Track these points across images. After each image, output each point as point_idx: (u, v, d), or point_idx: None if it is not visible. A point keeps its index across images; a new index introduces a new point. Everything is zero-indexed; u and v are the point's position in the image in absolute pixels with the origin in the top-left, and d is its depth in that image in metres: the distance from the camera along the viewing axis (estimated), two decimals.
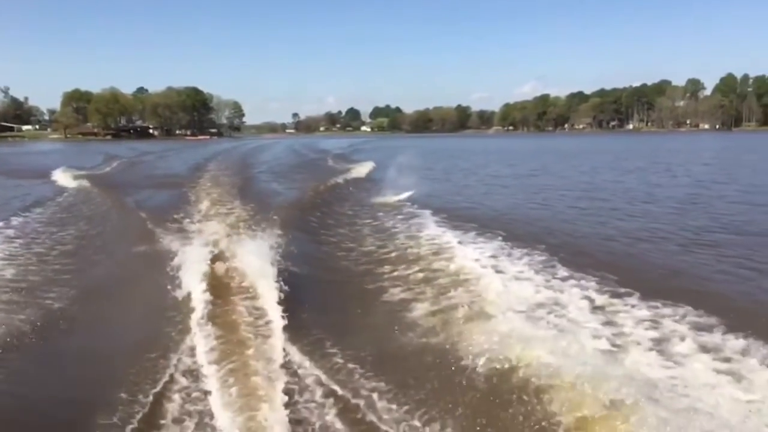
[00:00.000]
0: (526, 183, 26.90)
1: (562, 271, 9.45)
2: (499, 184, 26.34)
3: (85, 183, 24.19)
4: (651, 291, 8.21)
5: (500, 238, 12.08)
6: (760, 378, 5.53)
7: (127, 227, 14.35)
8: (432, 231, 13.06)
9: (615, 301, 7.90)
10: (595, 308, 7.67)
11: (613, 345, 6.36)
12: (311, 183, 23.74)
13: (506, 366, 5.79)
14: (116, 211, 16.75)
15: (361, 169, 30.87)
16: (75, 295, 8.83)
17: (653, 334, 6.70)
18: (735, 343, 6.34)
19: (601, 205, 18.61)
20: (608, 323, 7.07)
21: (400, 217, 15.51)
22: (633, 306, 7.68)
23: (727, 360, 5.95)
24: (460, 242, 11.64)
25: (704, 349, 6.25)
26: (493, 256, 10.48)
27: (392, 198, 18.86)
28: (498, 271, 9.44)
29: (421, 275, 9.57)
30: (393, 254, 11.25)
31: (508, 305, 7.65)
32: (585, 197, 20.74)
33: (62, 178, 26.71)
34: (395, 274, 9.82)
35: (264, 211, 15.67)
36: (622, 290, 8.32)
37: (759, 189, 21.82)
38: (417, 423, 5.07)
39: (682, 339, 6.49)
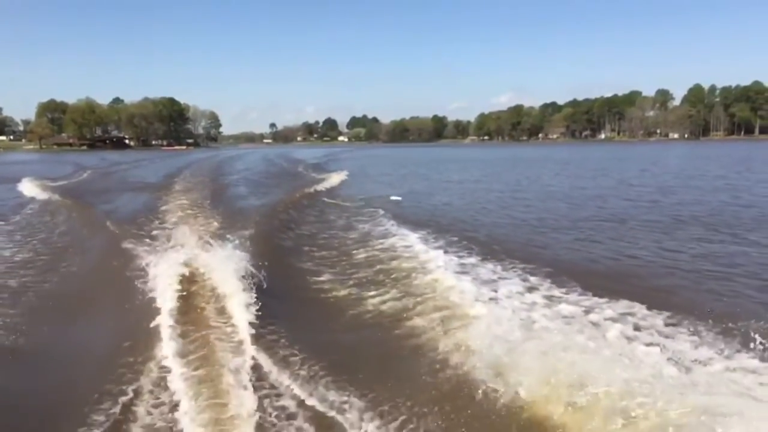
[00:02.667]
0: (469, 187, 29.74)
1: (457, 245, 12.42)
2: (444, 188, 29.15)
3: (53, 194, 23.30)
4: (513, 256, 11.28)
5: (429, 230, 14.56)
6: (545, 295, 8.58)
7: (95, 237, 14.11)
8: (383, 228, 15.04)
9: (482, 261, 10.81)
10: (467, 264, 10.60)
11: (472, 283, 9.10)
12: (283, 191, 24.51)
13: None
14: (83, 221, 16.44)
15: (335, 178, 31.80)
16: (39, 306, 8.79)
17: (493, 276, 9.71)
18: (545, 280, 9.37)
19: (519, 202, 21.58)
20: (473, 275, 9.76)
21: (354, 216, 17.70)
22: (494, 263, 10.65)
23: (535, 287, 9.00)
24: (400, 236, 13.66)
25: (524, 280, 9.39)
26: (420, 239, 13.08)
27: (352, 201, 21.43)
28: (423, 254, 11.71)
29: (373, 268, 10.90)
30: (358, 254, 12.17)
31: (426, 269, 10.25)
32: (511, 197, 23.65)
33: (28, 188, 26.03)
34: (357, 274, 10.61)
35: (235, 219, 15.87)
36: (489, 256, 11.32)
37: (663, 190, 24.88)
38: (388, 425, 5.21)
39: (510, 279, 9.57)
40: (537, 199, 22.24)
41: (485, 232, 14.54)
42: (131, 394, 5.70)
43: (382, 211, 18.03)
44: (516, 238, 13.77)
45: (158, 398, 5.62)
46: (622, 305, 7.81)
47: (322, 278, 10.37)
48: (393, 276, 10.18)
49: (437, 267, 10.16)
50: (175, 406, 5.42)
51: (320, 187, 26.59)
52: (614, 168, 43.87)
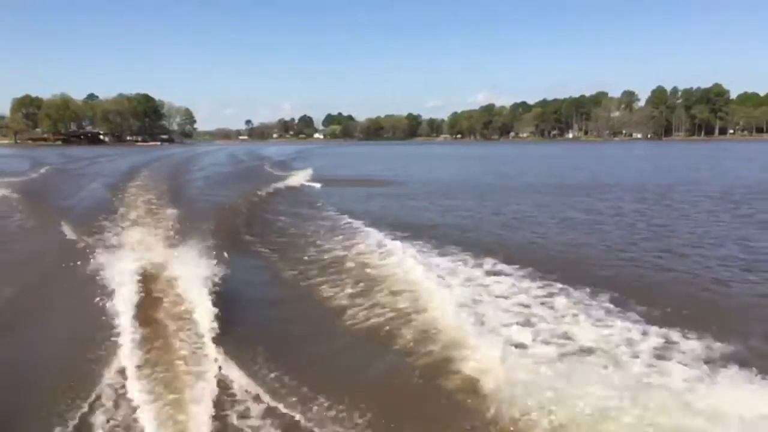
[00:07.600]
0: (399, 179, 34.64)
1: (370, 224, 15.41)
2: (377, 176, 34.37)
3: (6, 190, 22.53)
4: (396, 222, 15.72)
5: (348, 216, 17.14)
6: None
7: (49, 238, 13.54)
8: (319, 213, 18.24)
9: (390, 239, 12.76)
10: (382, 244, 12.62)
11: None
12: (243, 189, 24.35)
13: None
14: (36, 221, 16.04)
15: (300, 175, 32.12)
16: None
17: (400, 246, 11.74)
18: (448, 247, 12.33)
19: (426, 190, 26.98)
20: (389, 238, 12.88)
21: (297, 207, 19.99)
22: (385, 229, 14.26)
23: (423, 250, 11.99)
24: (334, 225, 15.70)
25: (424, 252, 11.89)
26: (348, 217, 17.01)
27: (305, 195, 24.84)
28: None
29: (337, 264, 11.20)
30: (323, 256, 12.02)
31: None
32: (422, 188, 28.56)
33: None
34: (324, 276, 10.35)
35: (196, 218, 15.26)
36: (396, 232, 14.04)
37: (555, 176, 30.55)
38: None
39: (397, 244, 11.96)
40: (442, 187, 27.83)
41: (387, 213, 18.92)
42: (88, 406, 5.46)
43: (320, 204, 21.06)
44: (402, 212, 18.94)
45: (117, 408, 5.42)
46: (454, 249, 11.88)
47: (281, 273, 10.64)
48: (333, 253, 11.90)
49: (366, 242, 12.62)
50: (134, 415, 5.26)
51: (281, 185, 27.51)
52: (543, 164, 49.49)
